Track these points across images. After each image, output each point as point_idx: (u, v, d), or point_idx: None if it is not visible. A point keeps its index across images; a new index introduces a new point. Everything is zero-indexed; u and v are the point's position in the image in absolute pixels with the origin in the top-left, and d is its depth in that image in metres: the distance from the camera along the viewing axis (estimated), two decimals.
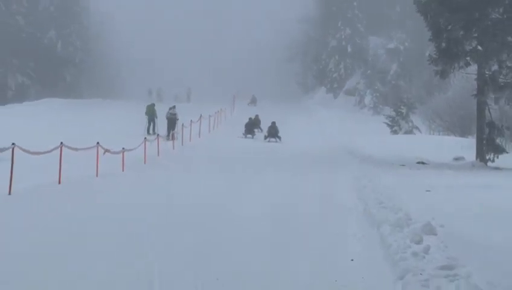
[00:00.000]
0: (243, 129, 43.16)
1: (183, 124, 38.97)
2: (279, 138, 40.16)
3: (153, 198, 17.02)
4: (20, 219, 12.45)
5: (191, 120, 41.28)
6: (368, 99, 73.91)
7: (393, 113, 55.32)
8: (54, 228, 11.48)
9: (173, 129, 38.84)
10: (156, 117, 41.30)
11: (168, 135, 37.84)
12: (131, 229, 11.68)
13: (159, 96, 70.31)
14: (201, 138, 40.75)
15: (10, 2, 71.44)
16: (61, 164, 19.17)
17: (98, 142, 22.64)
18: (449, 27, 28.34)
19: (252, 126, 43.75)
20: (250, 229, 11.97)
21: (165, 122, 40.33)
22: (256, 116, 46.62)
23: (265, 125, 43.10)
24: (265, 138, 40.66)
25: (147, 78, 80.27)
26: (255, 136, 42.47)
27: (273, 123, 41.11)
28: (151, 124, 40.61)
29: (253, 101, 68.28)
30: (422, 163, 27.94)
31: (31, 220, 12.38)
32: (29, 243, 10.05)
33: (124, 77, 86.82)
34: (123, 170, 23.38)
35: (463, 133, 44.49)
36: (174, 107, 42.10)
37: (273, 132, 40.59)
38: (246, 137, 42.48)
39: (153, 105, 43.03)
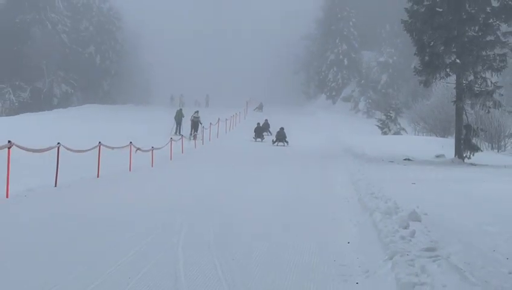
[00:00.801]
0: (253, 133, 40.61)
1: (203, 127, 39.45)
2: (287, 142, 37.04)
3: (177, 185, 17.32)
4: (67, 205, 12.52)
5: (210, 123, 41.59)
6: (361, 105, 73.88)
7: (383, 117, 55.31)
8: (96, 210, 11.55)
9: (196, 131, 39.69)
10: (183, 116, 42.23)
11: (191, 135, 38.32)
12: (162, 205, 11.94)
13: (181, 102, 70.12)
14: (219, 138, 40.84)
15: (56, 22, 71.72)
16: (100, 160, 19.29)
17: (131, 142, 22.75)
18: (431, 43, 28.33)
19: (261, 130, 41.23)
20: (259, 211, 12.12)
21: (189, 124, 41.11)
22: (266, 120, 44.05)
23: (274, 129, 40.96)
24: (274, 142, 37.38)
25: (170, 86, 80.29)
26: (264, 140, 40.21)
27: (281, 129, 38.07)
28: (178, 126, 41.31)
29: (260, 107, 66.65)
30: (408, 159, 27.88)
31: (76, 205, 12.47)
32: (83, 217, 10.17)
33: (151, 85, 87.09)
34: (152, 166, 23.46)
35: (443, 134, 44.36)
36: (197, 112, 42.91)
37: (281, 137, 37.42)
38: (255, 141, 39.90)
39: (181, 110, 43.95)
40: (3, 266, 7.14)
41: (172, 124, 41.69)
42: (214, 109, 59.35)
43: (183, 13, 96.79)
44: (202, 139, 38.19)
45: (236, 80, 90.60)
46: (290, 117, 54.24)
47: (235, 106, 61.24)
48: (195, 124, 40.69)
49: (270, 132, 42.14)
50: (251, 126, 42.38)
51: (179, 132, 39.81)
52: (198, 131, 40.04)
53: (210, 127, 41.42)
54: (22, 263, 7.37)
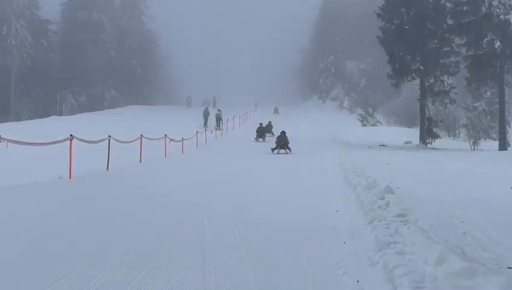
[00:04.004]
0: (255, 134, 33.02)
1: (222, 122, 40.07)
2: (289, 149, 24.64)
3: (204, 165, 17.53)
4: (116, 183, 12.57)
5: (228, 118, 41.84)
6: (345, 103, 73.58)
7: (363, 112, 54.97)
8: (139, 187, 11.60)
9: (218, 125, 41.18)
10: (209, 115, 43.45)
11: (215, 128, 39.88)
12: (191, 181, 11.85)
13: (188, 102, 68.74)
14: (234, 131, 40.92)
15: (106, 41, 71.79)
16: (142, 149, 19.37)
17: (165, 134, 22.82)
18: (400, 54, 28.37)
19: (263, 131, 33.07)
20: (262, 183, 12.04)
21: (213, 119, 42.71)
22: (269, 122, 37.19)
23: (276, 131, 33.52)
24: (273, 150, 24.60)
25: (191, 90, 79.68)
26: (266, 140, 31.91)
27: (283, 133, 26.14)
28: (205, 121, 42.60)
29: (276, 111, 60.18)
30: (383, 145, 27.89)
31: (123, 183, 12.53)
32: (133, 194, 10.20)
33: (179, 89, 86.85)
34: (182, 152, 23.54)
35: (410, 125, 44.20)
36: (220, 109, 44.45)
37: (282, 143, 24.98)
38: (257, 141, 31.75)
39: (207, 108, 46.13)
40: (70, 231, 7.17)
41: (201, 119, 42.87)
42: (225, 108, 58.84)
43: (202, 30, 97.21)
44: (221, 131, 38.59)
45: (244, 85, 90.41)
46: (289, 113, 54.29)
47: (244, 106, 60.79)
48: (218, 119, 41.91)
49: (273, 133, 34.10)
50: (259, 122, 41.84)
51: (206, 125, 40.44)
52: (221, 125, 41.20)
53: (227, 122, 41.57)
54: (82, 229, 7.38)
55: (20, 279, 5.03)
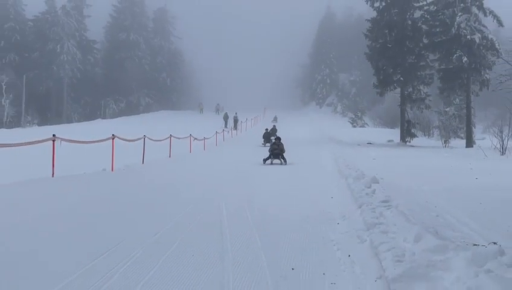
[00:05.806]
0: (262, 140, 28.40)
1: (237, 122, 40.46)
2: (284, 159, 16.63)
3: (221, 160, 17.46)
4: (151, 174, 12.61)
5: (241, 121, 41.87)
6: (339, 108, 73.26)
7: (353, 116, 54.92)
8: (169, 177, 11.61)
9: (235, 126, 41.30)
10: (228, 118, 43.95)
11: (232, 128, 39.96)
12: (212, 171, 11.85)
13: (200, 108, 66.81)
14: (247, 131, 40.85)
15: (141, 57, 71.94)
16: (171, 146, 19.42)
17: (190, 134, 22.88)
18: (384, 67, 28.28)
19: (268, 136, 28.04)
20: (269, 175, 12.00)
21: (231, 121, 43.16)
22: (274, 126, 33.38)
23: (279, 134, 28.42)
24: (265, 161, 16.73)
25: (209, 98, 78.99)
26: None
27: (278, 139, 18.03)
28: (225, 123, 43.13)
29: (275, 119, 59.98)
30: (370, 143, 27.77)
31: (156, 174, 12.56)
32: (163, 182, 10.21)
33: (202, 97, 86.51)
34: (204, 149, 23.57)
35: (392, 126, 43.97)
36: (236, 113, 44.45)
37: (276, 152, 16.98)
38: (264, 146, 26.45)
39: (227, 113, 46.40)
40: (110, 213, 7.21)
41: (222, 121, 43.42)
42: (239, 112, 58.30)
43: (218, 47, 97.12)
44: (237, 131, 38.68)
45: (254, 92, 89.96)
46: (291, 117, 54.20)
47: (254, 110, 60.40)
48: (235, 121, 42.14)
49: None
50: (267, 124, 41.48)
51: (226, 127, 40.59)
52: (237, 126, 41.38)
53: (241, 124, 41.56)
54: (120, 212, 7.42)
55: (85, 242, 5.21)
